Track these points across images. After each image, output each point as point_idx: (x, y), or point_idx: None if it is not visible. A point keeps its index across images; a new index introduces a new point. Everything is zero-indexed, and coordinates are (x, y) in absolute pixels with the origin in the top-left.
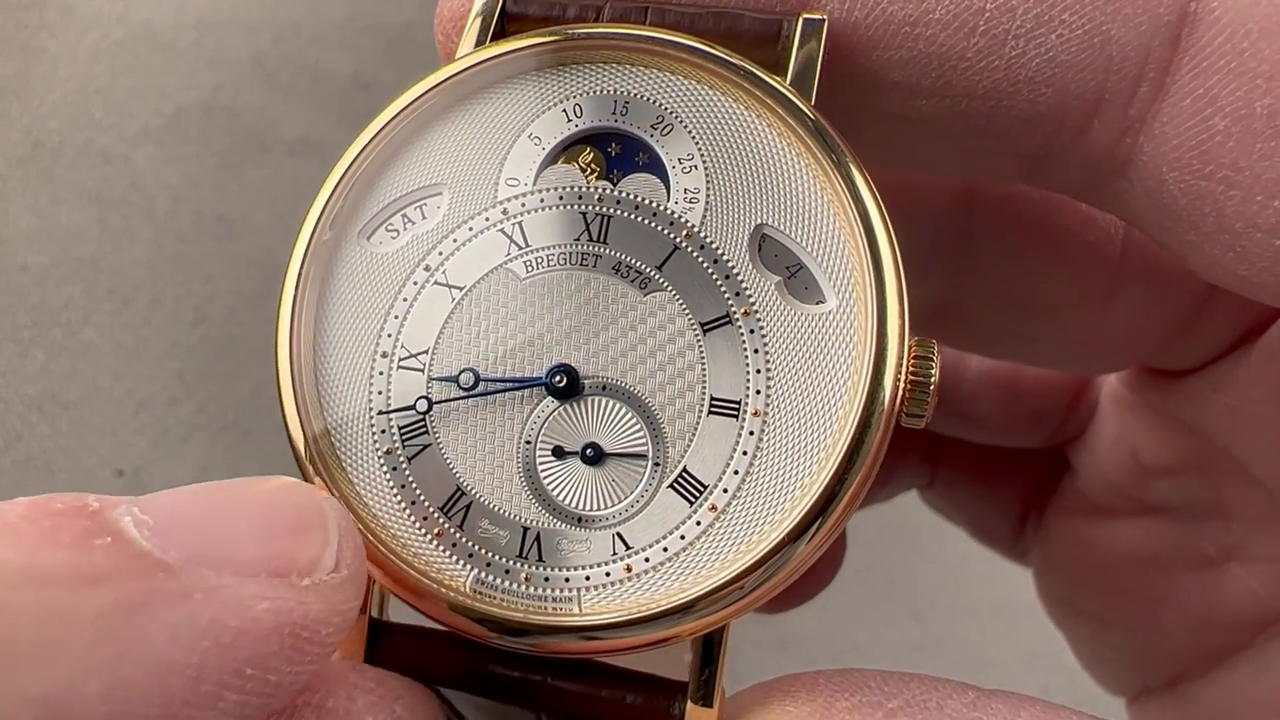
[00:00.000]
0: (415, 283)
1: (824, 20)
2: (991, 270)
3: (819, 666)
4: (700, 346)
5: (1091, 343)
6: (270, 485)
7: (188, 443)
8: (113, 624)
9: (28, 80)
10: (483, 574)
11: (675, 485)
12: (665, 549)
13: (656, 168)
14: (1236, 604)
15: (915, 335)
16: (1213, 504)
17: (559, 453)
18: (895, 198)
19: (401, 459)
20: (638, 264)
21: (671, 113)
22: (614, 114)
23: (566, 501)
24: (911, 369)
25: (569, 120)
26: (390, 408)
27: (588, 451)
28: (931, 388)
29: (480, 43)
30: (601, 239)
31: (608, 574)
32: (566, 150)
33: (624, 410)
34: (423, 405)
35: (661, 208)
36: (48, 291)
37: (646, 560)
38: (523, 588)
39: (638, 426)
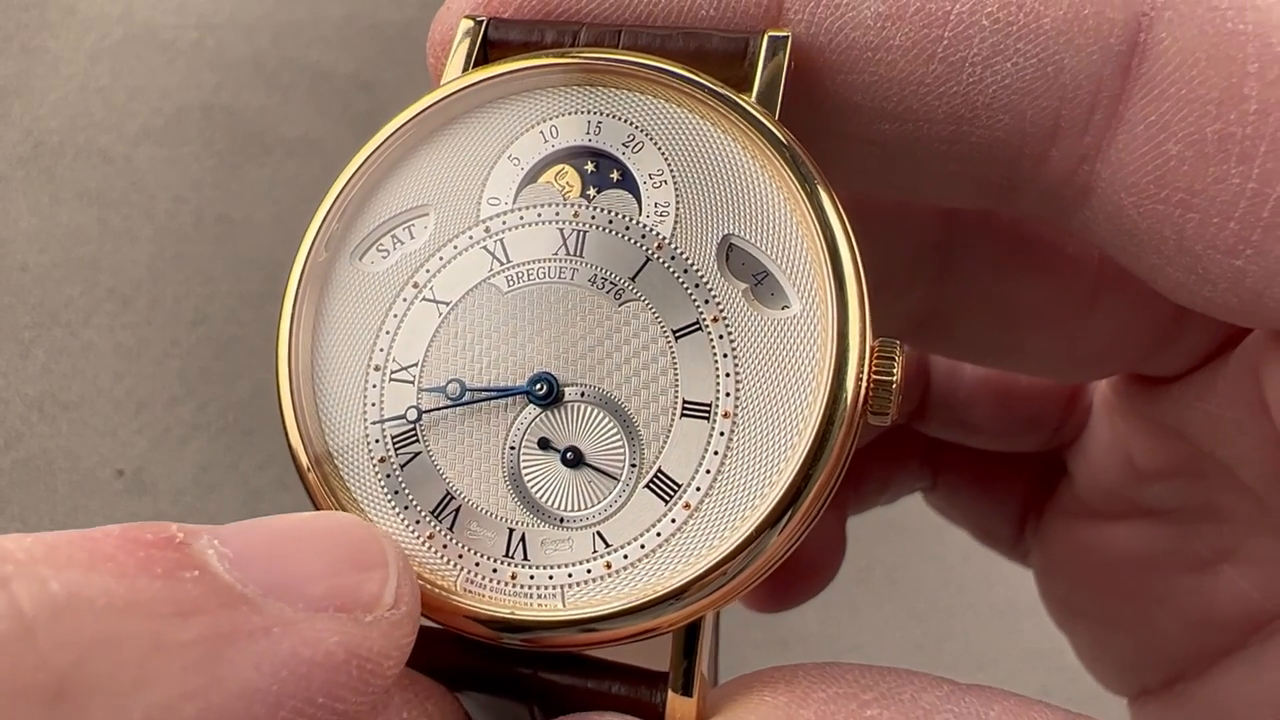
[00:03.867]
0: (405, 300)
1: (788, 37)
2: (974, 282)
3: None
4: (672, 352)
5: (1075, 351)
6: (332, 521)
7: (188, 443)
8: (204, 653)
9: (28, 80)
10: (471, 574)
11: (651, 485)
12: (643, 546)
13: (629, 184)
14: (1231, 605)
15: (879, 337)
16: (1205, 507)
17: (544, 444)
18: (877, 211)
19: (394, 465)
20: (613, 275)
21: (642, 131)
22: (588, 134)
23: (549, 503)
24: (874, 369)
25: (546, 141)
26: (383, 418)
27: (568, 455)
28: (894, 386)
29: (465, 67)
30: (578, 253)
31: (589, 571)
32: (545, 170)
33: (602, 415)
34: (413, 414)
35: (634, 221)
36: (48, 291)
37: (625, 557)
38: (509, 586)
39: (615, 430)
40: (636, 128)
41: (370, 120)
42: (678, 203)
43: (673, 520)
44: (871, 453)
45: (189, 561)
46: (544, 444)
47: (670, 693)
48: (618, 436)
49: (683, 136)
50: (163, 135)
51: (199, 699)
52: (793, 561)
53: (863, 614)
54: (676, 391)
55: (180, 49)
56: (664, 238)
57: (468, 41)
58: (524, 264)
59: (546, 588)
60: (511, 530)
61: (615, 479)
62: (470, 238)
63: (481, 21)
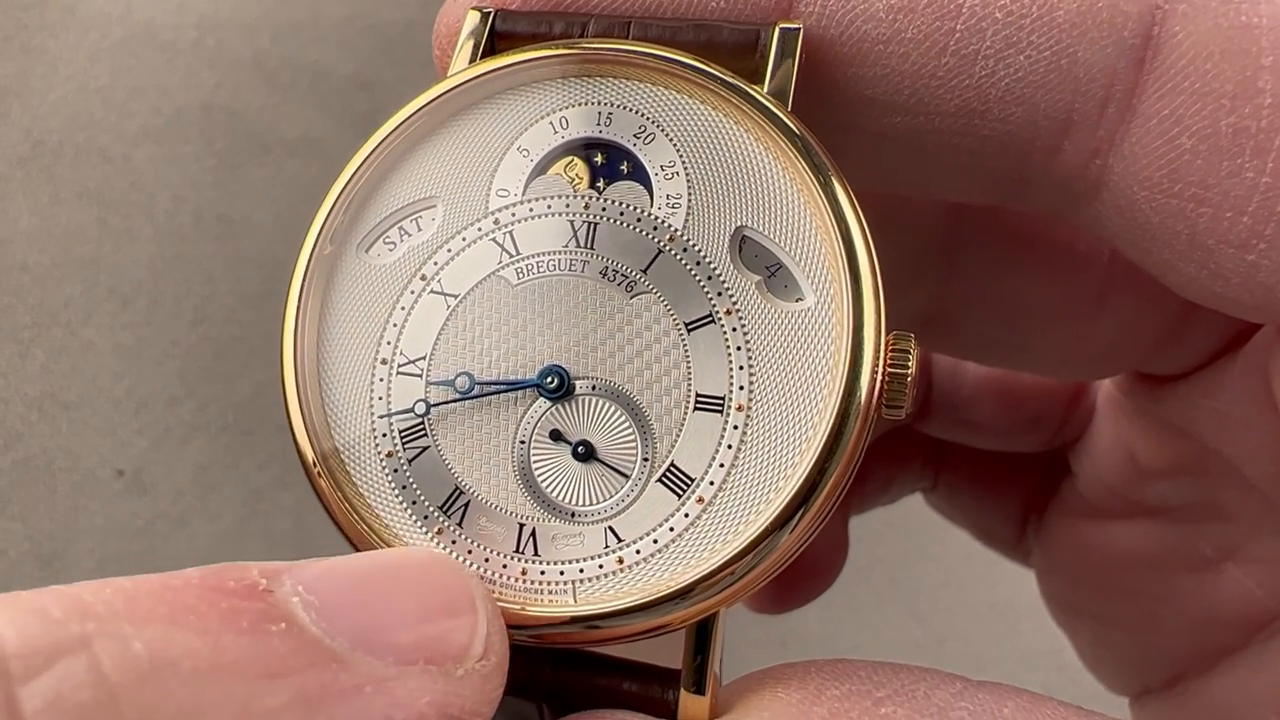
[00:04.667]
0: (412, 292)
1: (799, 29)
2: (980, 280)
3: None
4: (685, 345)
5: (1082, 350)
6: (417, 560)
7: (188, 443)
8: (294, 719)
9: (28, 80)
10: (481, 569)
11: (663, 479)
12: (655, 541)
13: (640, 175)
14: (1234, 604)
15: (893, 330)
16: (1209, 505)
17: (556, 435)
18: (883, 208)
19: (402, 460)
20: (624, 268)
21: (654, 122)
22: (598, 125)
23: (560, 498)
24: (889, 362)
25: (555, 132)
26: (390, 411)
27: (579, 449)
28: (909, 380)
29: (472, 59)
30: (589, 245)
31: (600, 566)
32: (554, 161)
33: (613, 409)
34: (421, 408)
35: (645, 213)
36: (48, 291)
37: (637, 552)
38: (519, 582)
39: (627, 424)
40: (648, 119)
41: (370, 120)
42: (690, 194)
43: (686, 515)
44: (873, 453)
45: (275, 613)
46: (556, 436)
47: (683, 691)
48: (630, 430)
49: (695, 128)
50: (163, 135)
51: None
52: (796, 563)
53: (863, 614)
54: (689, 385)
55: (180, 49)
56: (676, 230)
57: (475, 33)
58: (534, 256)
59: (557, 583)
60: (522, 525)
61: (627, 473)
62: (479, 229)
63: (489, 13)
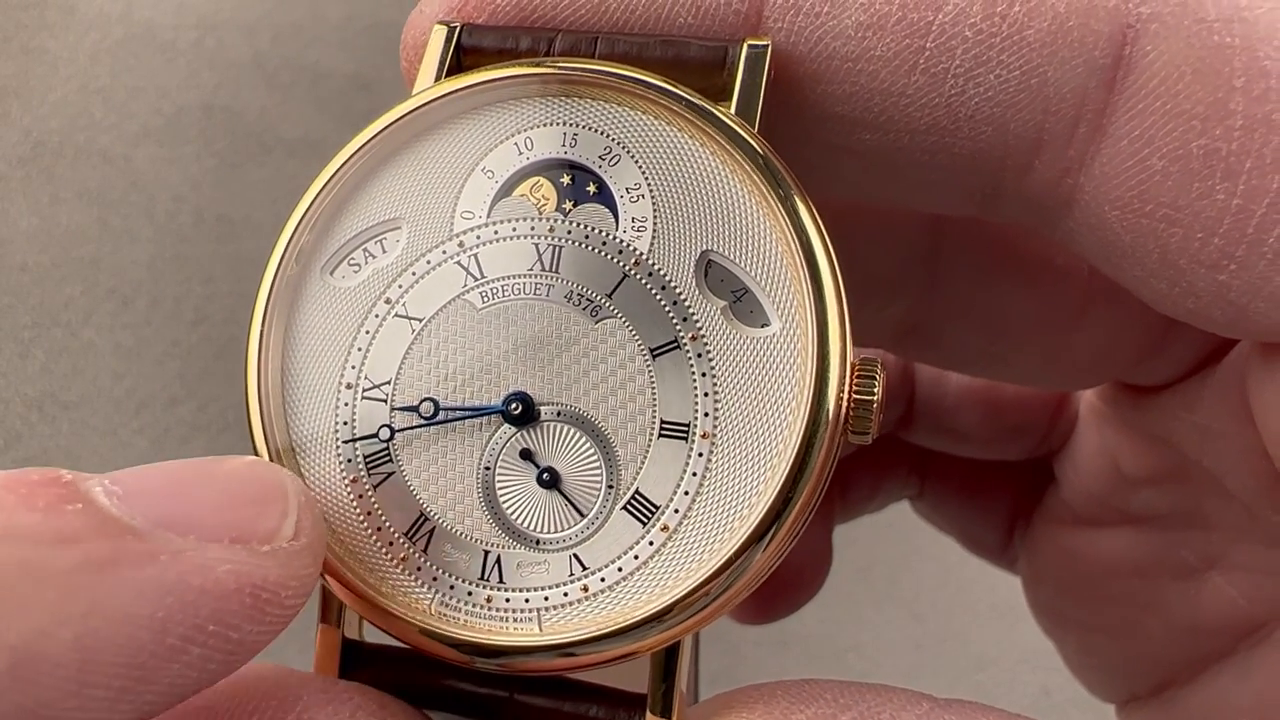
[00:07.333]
0: (377, 315)
1: (767, 46)
2: (960, 292)
3: (820, 666)
4: (650, 371)
5: (1063, 361)
6: (235, 461)
7: (188, 443)
8: (82, 580)
9: (28, 80)
10: (446, 597)
11: (628, 507)
12: (620, 569)
13: (606, 198)
14: (1218, 612)
15: (860, 355)
16: (1193, 513)
17: (526, 455)
18: (863, 219)
19: (366, 486)
20: (589, 292)
21: (619, 144)
22: (564, 146)
23: (524, 524)
24: (854, 388)
25: (520, 153)
26: (355, 436)
27: (544, 476)
28: (875, 406)
29: (438, 74)
30: (554, 268)
31: (565, 594)
32: (519, 182)
33: (578, 435)
34: (385, 434)
35: (611, 237)
36: (48, 291)
37: (602, 580)
38: (484, 609)
39: (591, 450)
40: (613, 140)
41: (370, 121)
42: (655, 217)
43: (650, 543)
44: (858, 461)
45: (73, 496)
46: (526, 455)
47: (649, 715)
48: (594, 457)
49: (660, 150)
50: (163, 135)
51: (76, 624)
52: (779, 573)
53: (863, 614)
54: (654, 411)
55: (180, 49)
56: (641, 253)
57: (440, 47)
58: (498, 279)
59: (523, 611)
60: (487, 552)
61: (592, 500)
62: (443, 252)
63: (455, 27)
